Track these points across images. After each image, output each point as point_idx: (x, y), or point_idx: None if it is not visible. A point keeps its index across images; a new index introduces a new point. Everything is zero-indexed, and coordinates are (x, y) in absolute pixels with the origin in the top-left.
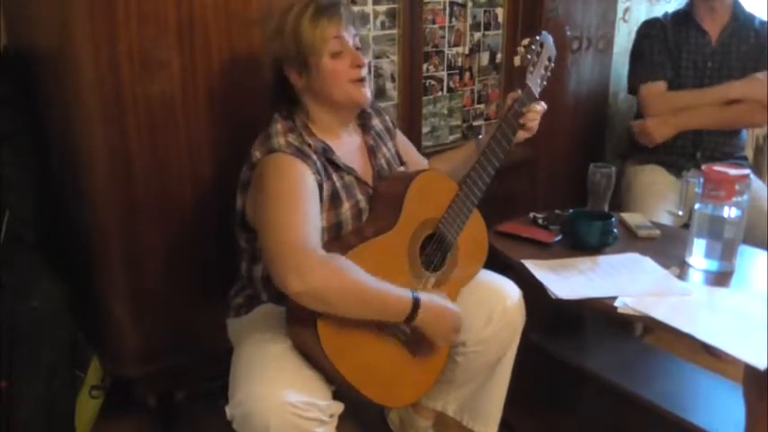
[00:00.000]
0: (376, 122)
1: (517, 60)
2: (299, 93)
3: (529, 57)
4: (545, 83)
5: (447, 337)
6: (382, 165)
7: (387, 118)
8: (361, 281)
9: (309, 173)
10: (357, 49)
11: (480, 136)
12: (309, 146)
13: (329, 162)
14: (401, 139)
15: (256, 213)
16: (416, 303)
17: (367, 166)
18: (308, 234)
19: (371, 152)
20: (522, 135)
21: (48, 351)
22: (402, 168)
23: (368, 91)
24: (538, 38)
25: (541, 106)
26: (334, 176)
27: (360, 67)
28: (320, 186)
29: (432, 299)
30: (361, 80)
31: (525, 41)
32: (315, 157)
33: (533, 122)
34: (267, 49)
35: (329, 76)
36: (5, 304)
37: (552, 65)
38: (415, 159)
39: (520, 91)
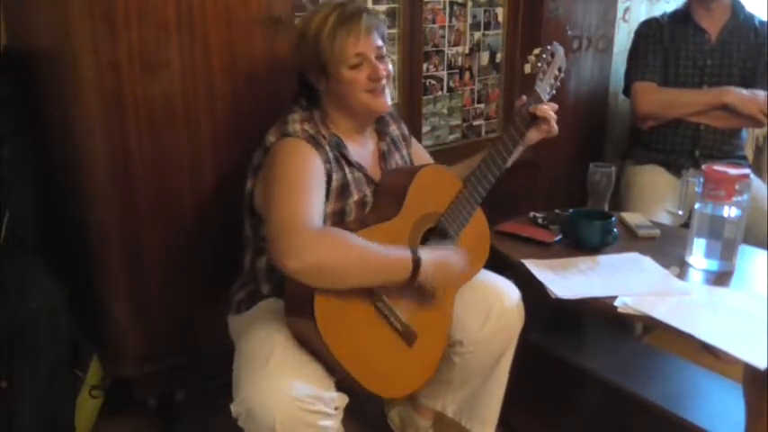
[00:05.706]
0: (392, 129)
1: (527, 68)
2: (320, 94)
3: (539, 65)
4: (554, 92)
5: (454, 284)
6: None
7: (404, 126)
8: (359, 248)
9: (319, 159)
10: (380, 57)
11: None
12: (324, 137)
13: (341, 156)
14: (416, 148)
15: (264, 196)
16: (417, 261)
17: (376, 169)
18: (309, 215)
19: (383, 157)
20: (535, 136)
21: (47, 351)
22: None
23: (387, 98)
24: (549, 47)
25: (551, 105)
26: (346, 169)
27: (377, 80)
28: (329, 175)
29: (431, 252)
30: (380, 89)
31: (537, 50)
32: (327, 147)
33: (550, 118)
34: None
35: (347, 85)
36: (5, 304)
37: (562, 75)
38: None
39: (525, 97)
